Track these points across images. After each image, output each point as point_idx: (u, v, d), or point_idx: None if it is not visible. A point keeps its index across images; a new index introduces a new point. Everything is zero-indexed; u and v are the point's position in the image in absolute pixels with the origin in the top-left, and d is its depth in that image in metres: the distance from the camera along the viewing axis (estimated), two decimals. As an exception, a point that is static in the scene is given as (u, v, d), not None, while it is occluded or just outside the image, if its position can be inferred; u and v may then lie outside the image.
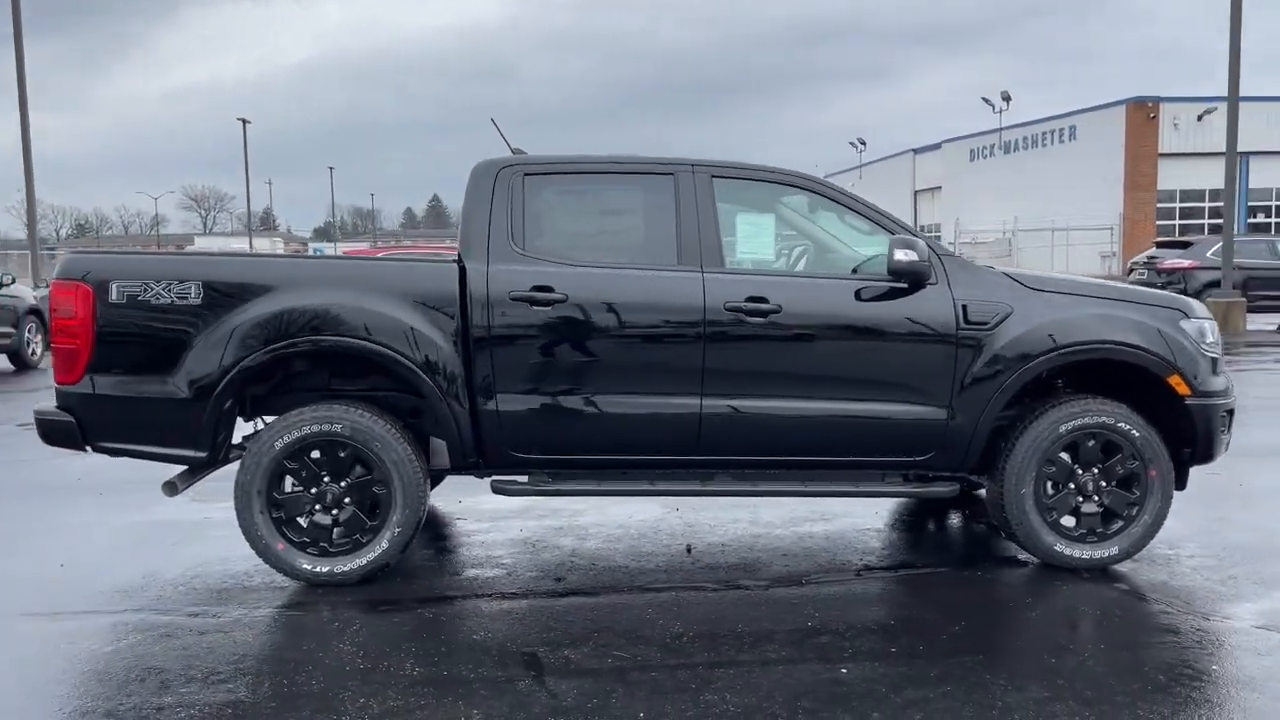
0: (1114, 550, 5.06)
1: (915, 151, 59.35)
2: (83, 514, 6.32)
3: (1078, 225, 40.26)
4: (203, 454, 4.83)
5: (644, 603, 4.63)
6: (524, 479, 5.01)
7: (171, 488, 4.96)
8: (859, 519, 6.06)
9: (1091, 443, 5.03)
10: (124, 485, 6.70)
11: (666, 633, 4.24)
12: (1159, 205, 40.80)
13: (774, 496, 5.41)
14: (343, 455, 4.82)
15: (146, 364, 4.79)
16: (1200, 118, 40.13)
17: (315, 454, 4.83)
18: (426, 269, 4.99)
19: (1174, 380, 5.03)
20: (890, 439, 5.00)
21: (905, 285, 4.94)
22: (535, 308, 4.84)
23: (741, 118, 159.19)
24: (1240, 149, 40.13)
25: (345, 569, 4.82)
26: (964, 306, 4.96)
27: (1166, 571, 5.06)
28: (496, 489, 4.99)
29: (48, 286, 7.20)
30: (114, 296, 4.76)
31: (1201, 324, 5.17)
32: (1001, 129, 49.21)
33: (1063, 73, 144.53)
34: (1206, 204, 40.80)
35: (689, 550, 5.47)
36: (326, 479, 4.84)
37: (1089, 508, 5.08)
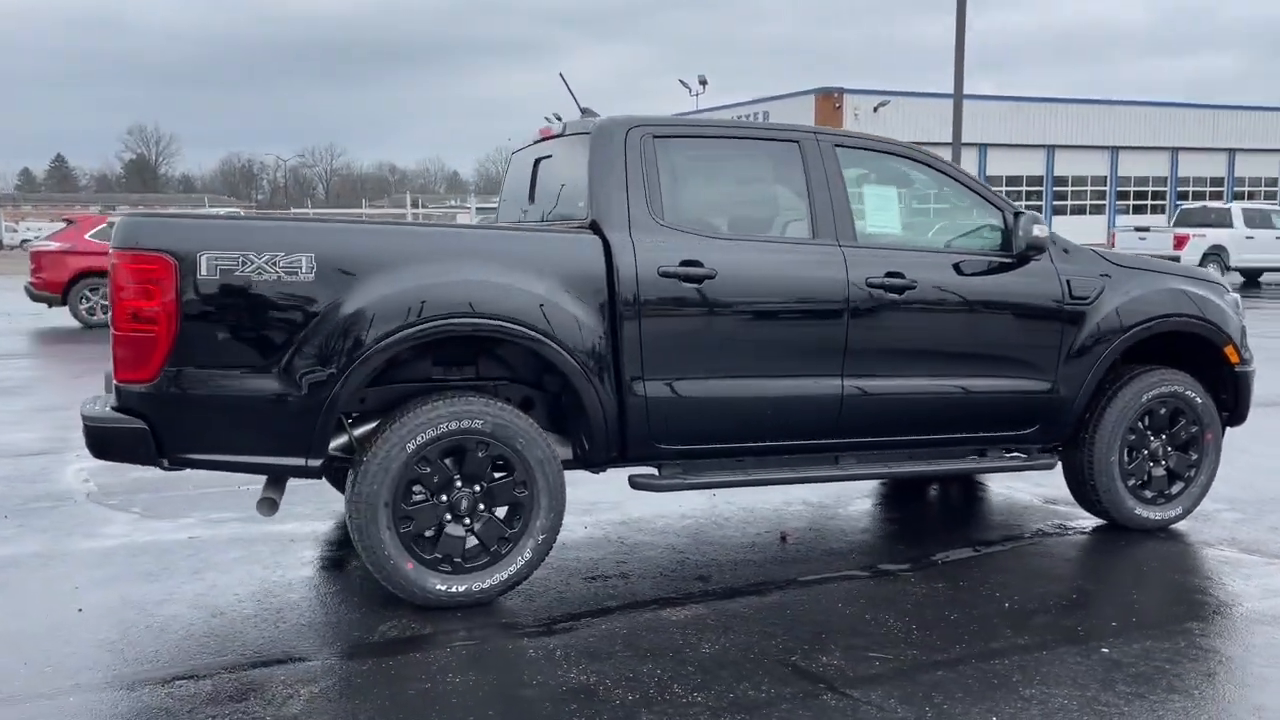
0: (1178, 510, 5.41)
1: (611, 129, 60.52)
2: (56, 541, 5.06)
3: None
4: (316, 462, 3.99)
5: (817, 596, 4.37)
6: (657, 472, 4.57)
7: (271, 505, 4.07)
8: (864, 503, 6.08)
9: (1163, 410, 5.33)
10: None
11: (885, 626, 4.02)
12: (844, 188, 44.24)
13: (894, 477, 5.29)
14: (481, 455, 4.16)
15: (244, 355, 3.88)
16: (876, 109, 43.91)
17: (450, 455, 4.14)
18: (570, 241, 4.38)
19: (1228, 350, 5.44)
20: (1003, 414, 5.04)
21: (1016, 260, 4.98)
22: (684, 284, 4.40)
23: (391, 86, 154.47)
24: (918, 140, 44.88)
25: (484, 586, 4.18)
26: (1068, 281, 5.08)
27: (1219, 527, 5.46)
28: (638, 484, 4.51)
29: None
30: (204, 271, 3.80)
31: (1236, 297, 5.61)
32: (696, 112, 51.29)
33: (703, 63, 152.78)
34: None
35: (784, 539, 5.24)
36: (459, 483, 4.16)
37: (1158, 471, 5.39)
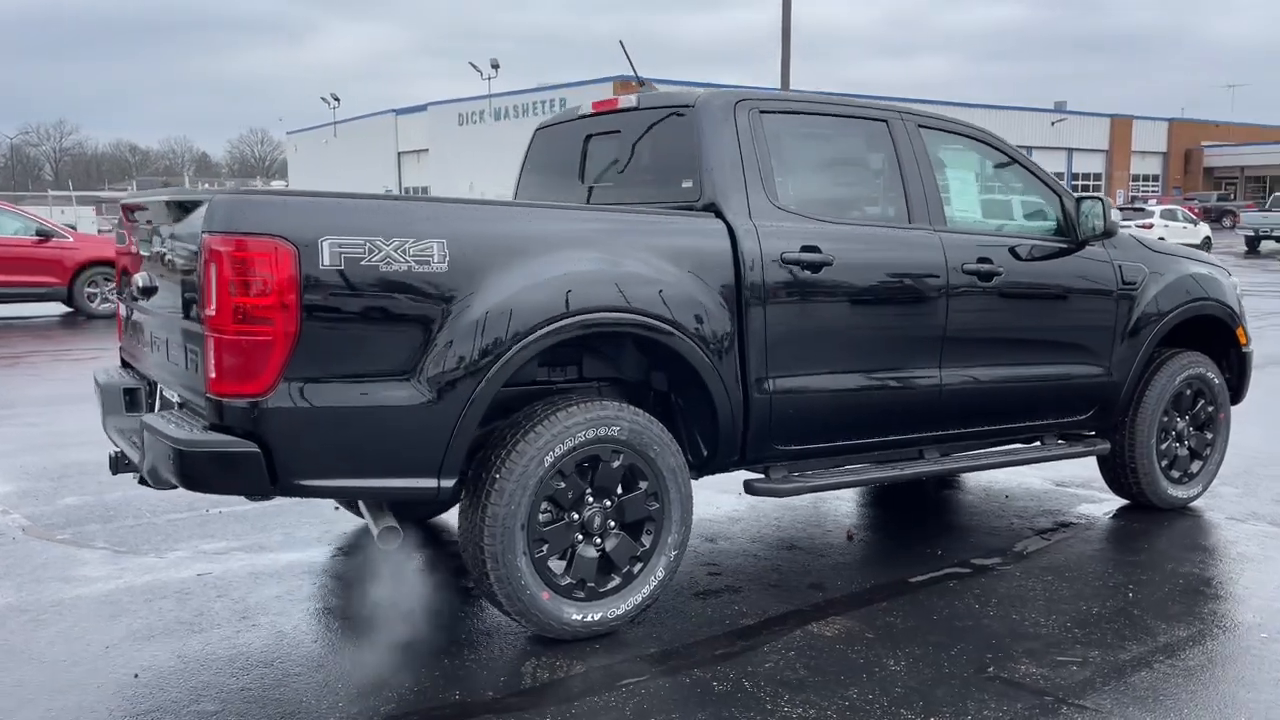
0: (1199, 488, 5.58)
1: (397, 112, 58.66)
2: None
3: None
4: (450, 482, 3.41)
5: (942, 596, 4.17)
6: (764, 475, 4.24)
7: (395, 534, 3.45)
8: (883, 498, 6.00)
9: (1188, 391, 5.47)
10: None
11: (1040, 625, 3.87)
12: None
13: (977, 469, 5.12)
14: (615, 466, 3.70)
15: (371, 359, 3.27)
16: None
17: (583, 467, 3.65)
18: (698, 226, 3.95)
19: (1239, 332, 5.65)
20: (1066, 400, 5.02)
21: (1077, 246, 4.96)
22: (804, 272, 4.09)
23: (127, 60, 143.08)
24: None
25: (619, 611, 3.73)
26: (1120, 267, 5.10)
27: (1229, 502, 5.67)
28: (757, 490, 4.16)
29: None
30: (327, 260, 3.16)
31: (1236, 280, 5.84)
32: (491, 95, 50.39)
33: (461, 47, 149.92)
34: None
35: (850, 537, 5.02)
36: (590, 498, 3.69)
37: (1182, 451, 5.53)
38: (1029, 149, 53.50)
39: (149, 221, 3.82)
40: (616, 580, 3.75)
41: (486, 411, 3.44)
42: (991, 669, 3.50)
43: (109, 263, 14.89)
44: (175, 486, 3.41)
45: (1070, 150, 54.26)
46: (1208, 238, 33.28)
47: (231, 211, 3.12)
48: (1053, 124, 53.13)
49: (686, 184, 4.11)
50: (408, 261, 3.27)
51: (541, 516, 3.59)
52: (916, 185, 4.51)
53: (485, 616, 3.93)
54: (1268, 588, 4.34)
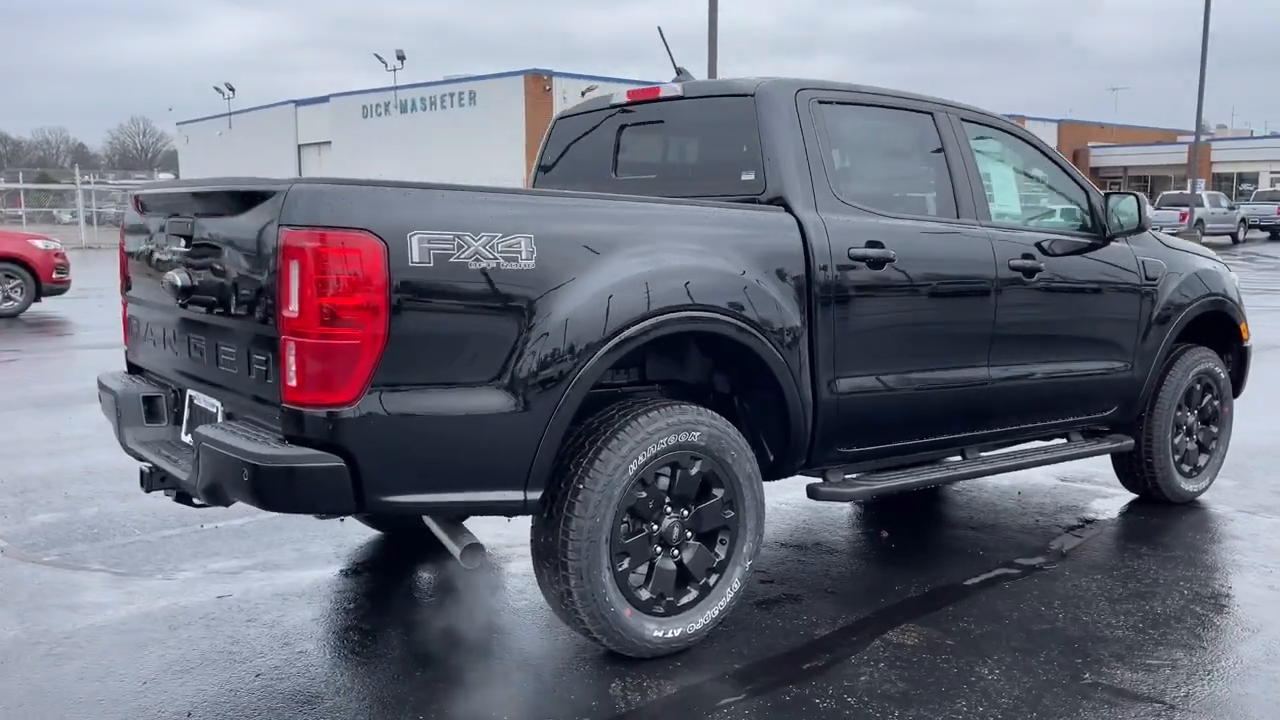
0: (1206, 482, 5.65)
1: (297, 103, 56.97)
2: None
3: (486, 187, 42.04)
4: (536, 495, 3.18)
5: (1005, 598, 4.09)
6: (822, 480, 4.10)
7: (479, 551, 3.19)
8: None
9: (1199, 386, 5.53)
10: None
11: (1112, 627, 3.82)
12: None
13: (1014, 470, 5.03)
14: (693, 473, 3.51)
15: (461, 363, 3.02)
16: (584, 94, 44.22)
17: (663, 475, 3.46)
18: (772, 221, 3.77)
19: (1242, 327, 5.73)
20: (1094, 396, 5.00)
21: (1104, 242, 4.95)
22: (870, 269, 3.96)
23: (5, 47, 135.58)
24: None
25: (697, 626, 3.55)
26: (1143, 263, 5.11)
27: (1231, 495, 5.74)
28: (822, 495, 4.02)
29: None
30: (416, 257, 2.90)
31: (1235, 276, 5.92)
32: (396, 87, 49.36)
33: (350, 38, 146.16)
34: (592, 171, 45.26)
35: (885, 538, 4.93)
36: (669, 508, 3.50)
37: (1191, 445, 5.59)
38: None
39: (180, 214, 3.48)
40: (694, 593, 3.56)
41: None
42: (1088, 675, 3.42)
43: (14, 260, 14.06)
44: (230, 504, 3.12)
45: (969, 149, 55.54)
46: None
47: (316, 202, 2.84)
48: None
49: (747, 176, 3.94)
50: (496, 258, 3.03)
51: (621, 528, 3.38)
52: (963, 179, 4.43)
53: (553, 636, 3.71)
54: (1309, 580, 4.39)
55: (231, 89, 61.30)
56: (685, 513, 3.53)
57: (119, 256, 4.09)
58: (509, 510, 3.21)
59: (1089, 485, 5.88)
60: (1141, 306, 5.10)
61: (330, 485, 2.84)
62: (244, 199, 3.10)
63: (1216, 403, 5.64)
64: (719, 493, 3.58)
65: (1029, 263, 4.52)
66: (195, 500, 3.37)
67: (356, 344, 2.83)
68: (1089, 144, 61.40)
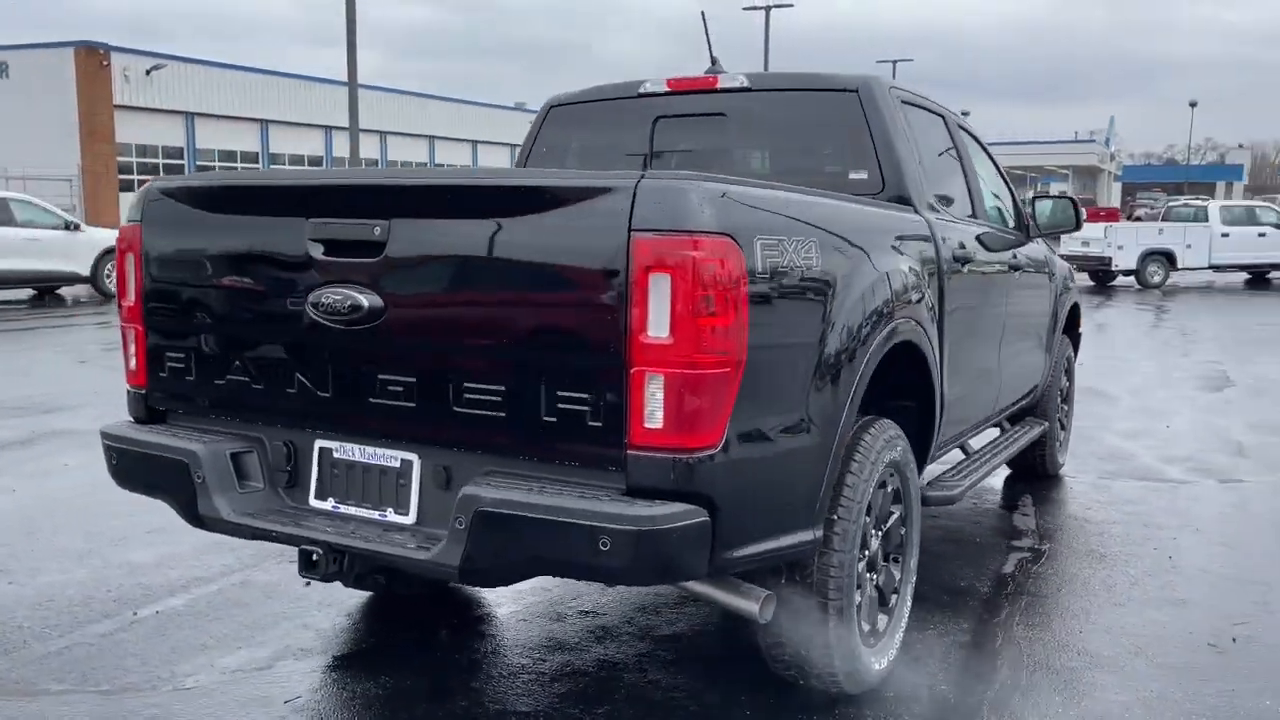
0: (1066, 452, 6.33)
1: None
2: None
3: (35, 174, 36.50)
4: (821, 533, 2.80)
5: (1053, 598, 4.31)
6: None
7: (772, 601, 2.73)
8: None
9: (1066, 368, 6.16)
10: None
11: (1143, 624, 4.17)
12: (120, 159, 39.36)
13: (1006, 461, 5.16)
14: (888, 491, 3.30)
15: (793, 387, 2.61)
16: (149, 72, 39.86)
17: (877, 498, 3.20)
18: (914, 220, 3.58)
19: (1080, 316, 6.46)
20: (1030, 383, 5.38)
21: (1029, 239, 5.34)
22: (961, 269, 3.96)
23: None
24: (187, 109, 41.34)
25: (893, 654, 3.34)
26: (1047, 258, 5.59)
27: (1082, 465, 6.48)
28: (932, 499, 3.92)
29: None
30: (759, 265, 2.43)
31: (1065, 272, 6.66)
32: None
33: None
34: (162, 160, 40.88)
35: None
36: (874, 530, 3.26)
37: (1064, 421, 6.23)
38: (515, 148, 55.68)
39: (347, 214, 2.64)
40: (885, 618, 3.36)
41: None
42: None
43: None
44: (505, 584, 2.46)
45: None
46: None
47: (678, 202, 2.27)
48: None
49: (858, 175, 3.76)
50: (800, 264, 2.63)
51: (854, 557, 3.10)
52: (975, 179, 4.59)
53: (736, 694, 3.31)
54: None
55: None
56: (879, 533, 3.31)
57: (131, 266, 3.02)
58: (801, 553, 2.80)
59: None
60: (1054, 298, 5.57)
61: (696, 545, 2.32)
62: (527, 197, 2.42)
63: (1068, 385, 6.32)
64: (897, 510, 3.39)
65: (1015, 259, 4.77)
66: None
67: (727, 372, 2.33)
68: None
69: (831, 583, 2.91)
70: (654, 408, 2.28)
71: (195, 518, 2.82)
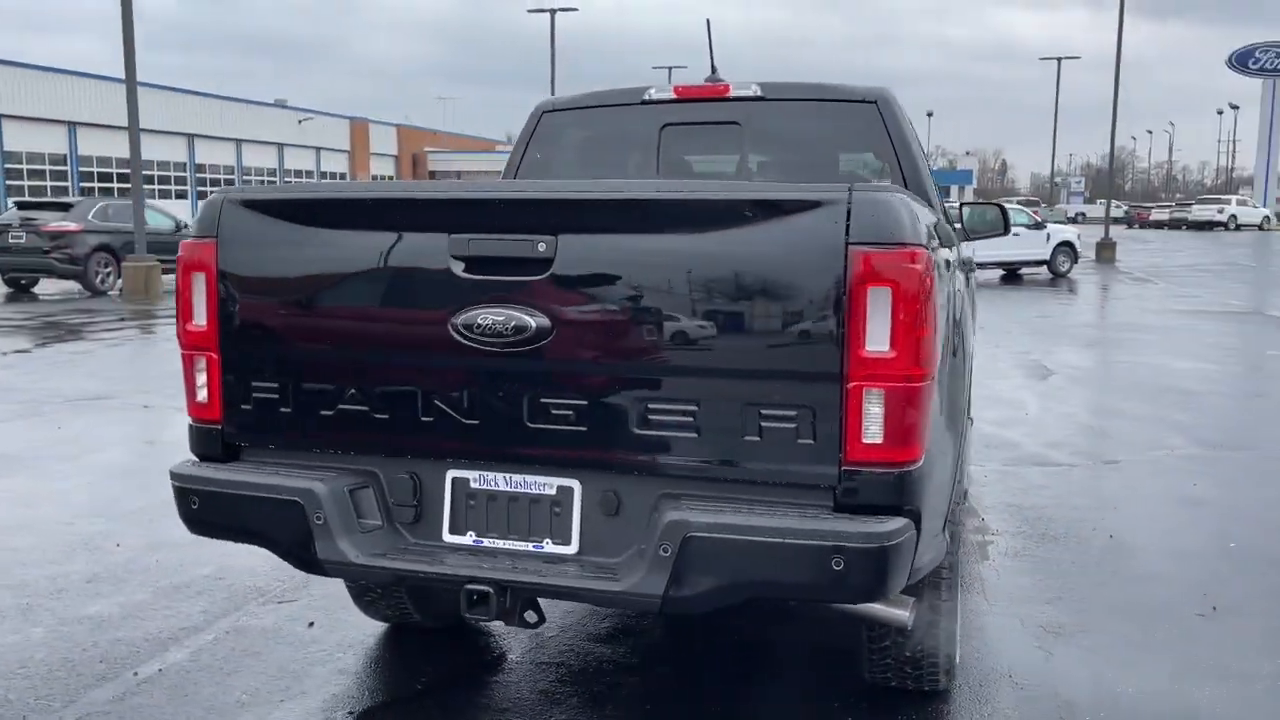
0: (967, 445, 6.72)
1: None
2: None
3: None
4: (948, 537, 2.85)
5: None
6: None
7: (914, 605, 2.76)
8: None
9: (966, 365, 6.55)
10: None
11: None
12: None
13: None
14: (949, 489, 3.41)
15: (945, 398, 2.64)
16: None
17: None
18: (954, 230, 3.71)
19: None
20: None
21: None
22: (964, 277, 4.14)
23: None
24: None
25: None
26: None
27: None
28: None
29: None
30: (933, 274, 2.46)
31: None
32: None
33: None
34: None
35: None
36: (946, 528, 3.36)
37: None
38: (284, 147, 53.24)
39: (504, 229, 2.46)
40: (948, 613, 3.47)
41: None
42: (1202, 613, 4.04)
43: None
44: (653, 613, 2.37)
45: (319, 149, 55.15)
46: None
47: (890, 214, 2.26)
48: (300, 122, 53.45)
49: (881, 183, 3.86)
50: (945, 274, 2.71)
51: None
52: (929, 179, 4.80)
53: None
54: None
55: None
56: (943, 531, 3.42)
57: (202, 286, 2.67)
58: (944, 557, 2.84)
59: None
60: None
61: (908, 559, 2.32)
62: (725, 211, 2.34)
63: (967, 378, 6.72)
64: (950, 506, 3.52)
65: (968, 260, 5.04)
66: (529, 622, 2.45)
67: (932, 383, 2.35)
68: (425, 148, 64.79)
69: (944, 583, 2.99)
70: (872, 422, 2.26)
71: (308, 563, 2.55)
